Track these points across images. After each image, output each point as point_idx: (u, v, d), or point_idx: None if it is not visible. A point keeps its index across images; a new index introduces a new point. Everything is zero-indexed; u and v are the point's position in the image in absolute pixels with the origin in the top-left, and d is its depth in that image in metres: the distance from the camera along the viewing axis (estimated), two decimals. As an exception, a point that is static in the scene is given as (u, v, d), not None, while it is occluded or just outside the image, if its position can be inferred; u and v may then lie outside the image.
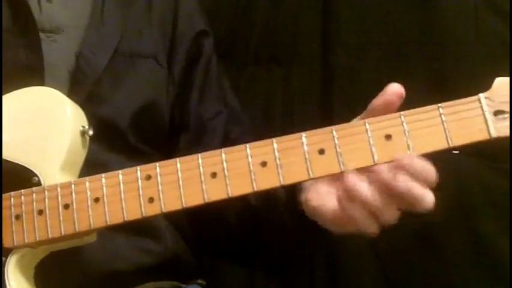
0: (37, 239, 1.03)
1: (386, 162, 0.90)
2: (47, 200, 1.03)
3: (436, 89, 1.60)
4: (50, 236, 1.02)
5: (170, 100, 1.35)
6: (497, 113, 0.87)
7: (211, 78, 1.41)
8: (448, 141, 0.88)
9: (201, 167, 0.95)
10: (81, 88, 1.22)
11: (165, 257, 1.26)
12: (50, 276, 1.10)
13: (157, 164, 0.98)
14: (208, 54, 1.42)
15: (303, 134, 0.92)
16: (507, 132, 0.87)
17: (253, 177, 0.93)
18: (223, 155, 0.94)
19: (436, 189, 1.61)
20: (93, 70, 1.26)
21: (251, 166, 0.93)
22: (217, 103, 1.40)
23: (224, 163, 0.94)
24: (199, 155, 0.96)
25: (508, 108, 0.86)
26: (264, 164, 0.93)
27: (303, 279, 1.65)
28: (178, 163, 0.96)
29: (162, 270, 1.26)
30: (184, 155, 0.97)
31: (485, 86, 1.30)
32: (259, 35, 1.83)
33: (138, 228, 1.22)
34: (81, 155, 1.11)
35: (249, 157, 0.93)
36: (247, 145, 0.94)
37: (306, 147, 0.91)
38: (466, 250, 1.62)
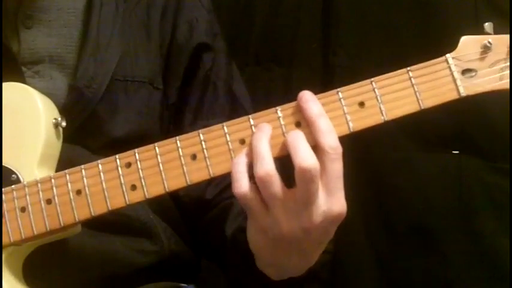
0: (22, 236, 1.08)
1: (362, 130, 0.97)
2: (28, 196, 1.08)
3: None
4: (35, 232, 1.07)
5: (165, 124, 1.34)
6: (465, 72, 0.95)
7: (212, 93, 1.38)
8: (419, 104, 0.95)
9: (180, 150, 1.01)
10: (72, 122, 1.19)
11: (162, 257, 1.28)
12: (45, 280, 1.15)
13: (135, 150, 1.04)
14: (207, 68, 1.38)
15: (278, 109, 0.99)
16: (476, 90, 0.94)
17: (233, 155, 0.99)
18: (201, 135, 1.00)
19: (437, 189, 1.69)
20: (86, 104, 1.24)
21: (230, 144, 0.99)
22: (220, 117, 1.31)
23: (203, 143, 1.00)
24: (177, 137, 1.02)
25: (475, 66, 0.94)
26: (242, 141, 0.99)
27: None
28: (156, 148, 1.02)
29: (161, 270, 1.28)
30: None
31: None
32: (259, 35, 1.91)
33: (131, 229, 1.25)
34: (56, 147, 1.15)
35: (227, 135, 1.00)
36: (224, 124, 1.00)
37: (282, 121, 0.98)
38: (466, 250, 1.69)
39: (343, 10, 1.81)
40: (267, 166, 0.94)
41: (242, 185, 0.95)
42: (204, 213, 1.32)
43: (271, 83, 1.87)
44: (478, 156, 1.70)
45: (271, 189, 0.94)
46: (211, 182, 1.28)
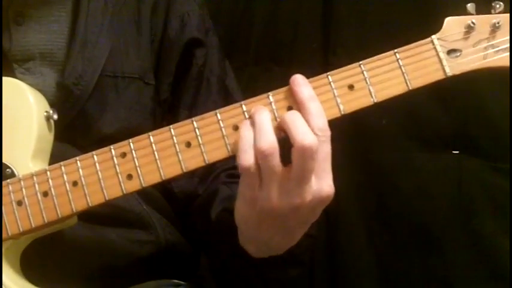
0: (20, 229, 1.12)
1: (353, 112, 1.03)
2: (24, 189, 1.12)
3: (436, 86, 1.72)
4: (33, 225, 1.12)
5: (158, 121, 1.37)
6: (450, 52, 1.02)
7: (205, 89, 1.42)
8: (407, 84, 1.02)
9: (174, 138, 1.06)
10: (61, 120, 1.22)
11: (159, 247, 1.32)
12: (44, 273, 1.19)
13: (130, 140, 1.08)
14: (200, 64, 1.42)
15: (270, 94, 1.06)
16: (462, 70, 1.01)
17: (227, 141, 1.04)
18: (194, 123, 1.06)
19: (437, 189, 1.73)
20: (75, 101, 1.27)
21: (223, 130, 1.05)
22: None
23: (196, 130, 1.05)
24: (171, 126, 1.07)
25: (460, 46, 1.01)
26: (235, 127, 1.05)
27: (303, 278, 1.70)
28: (151, 137, 1.07)
29: (160, 262, 1.32)
30: None
31: (484, 83, 1.41)
32: (259, 35, 1.95)
33: (126, 220, 1.29)
34: (49, 140, 1.19)
35: (220, 122, 1.05)
36: (217, 111, 1.06)
37: (274, 106, 1.04)
38: (466, 250, 1.73)
39: (343, 10, 1.85)
40: (270, 138, 0.99)
41: (248, 157, 1.00)
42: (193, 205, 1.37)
43: (270, 83, 1.89)
44: (478, 156, 1.73)
45: (272, 163, 0.99)
46: (201, 179, 1.36)
